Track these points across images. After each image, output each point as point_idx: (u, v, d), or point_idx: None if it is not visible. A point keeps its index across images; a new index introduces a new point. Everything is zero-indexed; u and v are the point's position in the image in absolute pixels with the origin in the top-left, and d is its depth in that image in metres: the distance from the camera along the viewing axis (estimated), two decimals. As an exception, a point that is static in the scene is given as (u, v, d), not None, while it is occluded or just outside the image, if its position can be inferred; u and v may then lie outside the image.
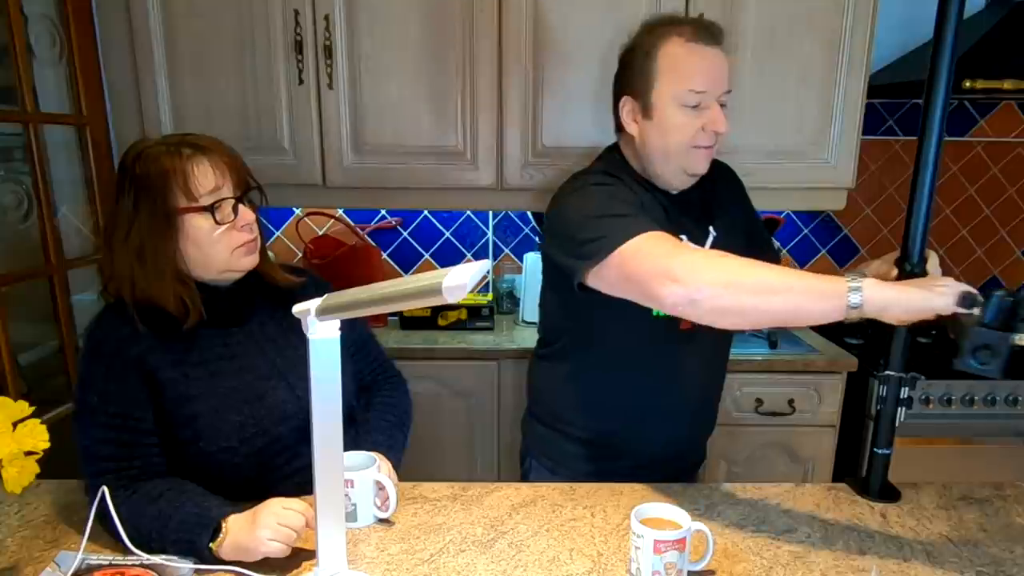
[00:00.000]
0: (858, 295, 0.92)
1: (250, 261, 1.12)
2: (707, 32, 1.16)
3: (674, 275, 0.98)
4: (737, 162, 1.44)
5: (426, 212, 2.46)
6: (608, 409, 1.32)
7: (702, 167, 1.21)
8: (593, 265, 1.10)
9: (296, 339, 1.15)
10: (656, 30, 1.18)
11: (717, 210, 1.32)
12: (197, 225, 1.05)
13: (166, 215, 1.04)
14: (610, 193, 1.19)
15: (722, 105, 1.17)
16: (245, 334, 1.15)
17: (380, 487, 1.09)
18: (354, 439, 1.21)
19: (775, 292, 0.95)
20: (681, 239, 1.20)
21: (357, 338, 1.31)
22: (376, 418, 1.27)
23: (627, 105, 1.22)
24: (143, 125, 1.97)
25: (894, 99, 2.40)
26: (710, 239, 1.28)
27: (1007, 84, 1.93)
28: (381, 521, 1.11)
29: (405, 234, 2.49)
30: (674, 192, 1.27)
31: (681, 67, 1.15)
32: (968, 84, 1.92)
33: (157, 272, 1.05)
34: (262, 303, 1.18)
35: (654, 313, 1.20)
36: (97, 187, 2.00)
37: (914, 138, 1.19)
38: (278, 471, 1.13)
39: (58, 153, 1.95)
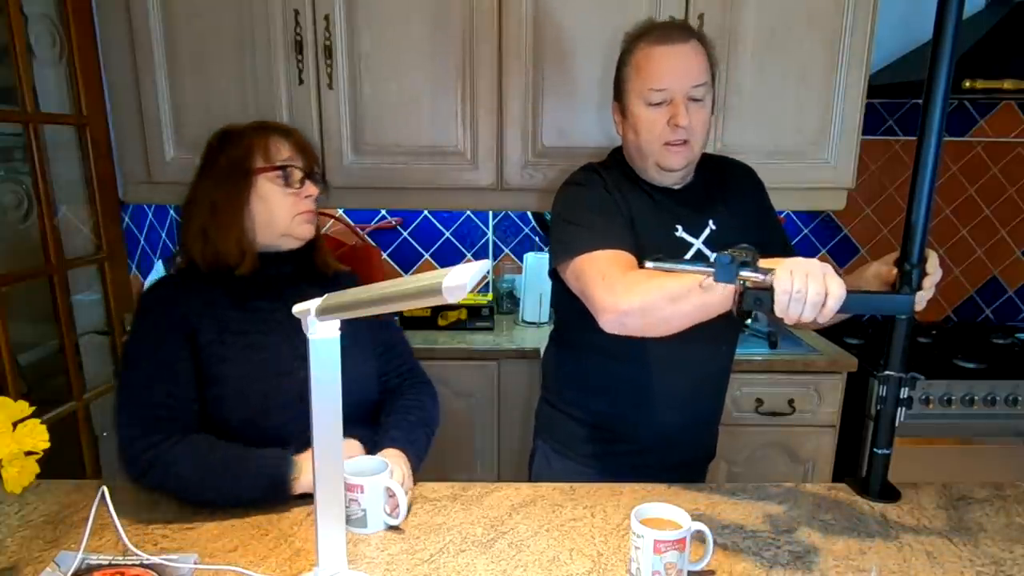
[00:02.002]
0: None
1: (308, 230, 1.24)
2: (672, 31, 1.23)
3: (602, 304, 1.11)
4: (737, 162, 1.44)
5: (426, 212, 2.46)
6: (606, 392, 1.36)
7: (675, 163, 1.26)
8: (557, 264, 1.25)
9: None
10: (629, 38, 1.28)
11: (720, 205, 1.34)
12: (268, 187, 1.19)
13: (244, 173, 1.18)
14: (582, 197, 1.28)
15: (696, 99, 1.22)
16: (284, 314, 1.16)
17: (391, 494, 1.08)
18: (377, 441, 1.23)
19: (681, 298, 1.03)
20: (676, 229, 1.30)
21: (387, 339, 1.36)
22: (397, 418, 1.29)
23: (615, 109, 1.33)
24: (143, 125, 1.98)
25: (894, 99, 2.40)
26: (707, 231, 1.31)
27: (1007, 84, 1.93)
28: (391, 528, 1.10)
29: (405, 234, 2.49)
30: (675, 188, 1.32)
31: (644, 68, 1.23)
32: (968, 84, 1.92)
33: (226, 223, 1.18)
34: (307, 289, 1.19)
35: None
36: (97, 187, 2.00)
37: (914, 138, 1.19)
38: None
39: (58, 153, 1.94)
